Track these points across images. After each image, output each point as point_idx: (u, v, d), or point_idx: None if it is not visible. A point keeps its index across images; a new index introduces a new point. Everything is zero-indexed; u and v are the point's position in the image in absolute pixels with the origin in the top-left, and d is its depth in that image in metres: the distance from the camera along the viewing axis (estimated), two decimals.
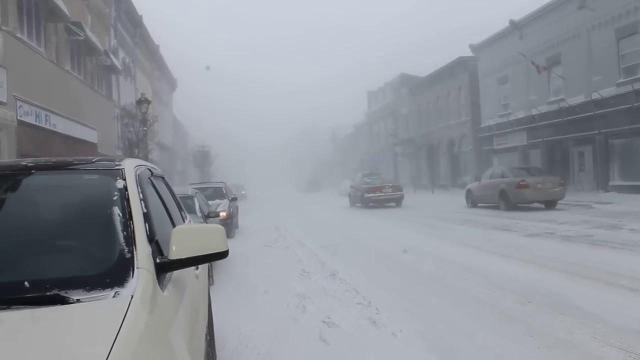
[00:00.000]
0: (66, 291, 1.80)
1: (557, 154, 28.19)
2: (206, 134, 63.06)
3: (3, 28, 12.86)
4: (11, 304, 1.74)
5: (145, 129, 22.55)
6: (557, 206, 19.12)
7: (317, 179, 76.53)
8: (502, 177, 20.39)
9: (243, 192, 48.75)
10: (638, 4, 22.06)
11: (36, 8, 15.55)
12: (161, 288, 2.09)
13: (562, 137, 27.13)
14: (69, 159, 2.73)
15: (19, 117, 13.29)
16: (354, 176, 39.10)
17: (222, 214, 13.33)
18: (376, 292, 6.99)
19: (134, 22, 29.30)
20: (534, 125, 29.14)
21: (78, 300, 1.78)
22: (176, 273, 2.40)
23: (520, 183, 18.91)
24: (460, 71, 39.01)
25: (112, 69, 23.34)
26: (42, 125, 14.75)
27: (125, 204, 2.28)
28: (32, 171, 2.55)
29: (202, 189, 14.98)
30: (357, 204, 28.75)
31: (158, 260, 2.16)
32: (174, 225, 3.13)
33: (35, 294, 1.79)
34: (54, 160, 2.74)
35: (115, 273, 1.93)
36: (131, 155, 19.95)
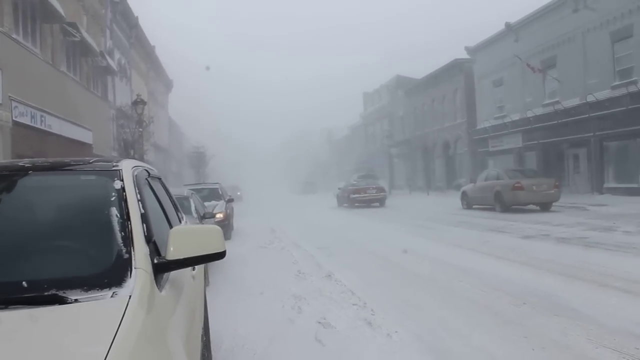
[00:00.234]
0: (64, 291, 1.80)
1: (552, 156, 28.28)
2: (202, 134, 63.01)
3: None
4: (9, 304, 1.75)
5: (140, 130, 22.51)
6: (552, 208, 19.18)
7: (313, 181, 76.55)
8: (497, 179, 20.47)
9: (238, 193, 48.68)
10: (633, 7, 22.18)
11: (32, 9, 15.52)
12: (159, 288, 2.10)
13: (557, 140, 27.24)
14: (67, 160, 2.73)
15: (14, 118, 13.25)
16: (350, 177, 39.40)
17: (219, 216, 13.28)
18: (371, 293, 7.01)
19: (130, 23, 29.27)
20: (529, 127, 29.23)
21: (76, 300, 1.78)
22: (173, 273, 2.41)
23: (516, 185, 18.98)
24: (456, 73, 39.09)
25: (107, 70, 23.29)
26: (38, 126, 14.71)
27: (123, 204, 2.29)
28: (30, 172, 2.55)
29: (197, 190, 14.77)
30: (344, 204, 30.42)
31: (156, 261, 2.17)
32: (170, 226, 3.13)
33: (33, 294, 1.80)
34: (51, 160, 2.75)
35: (113, 273, 1.94)
36: (127, 156, 19.91)
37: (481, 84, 35.92)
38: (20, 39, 14.51)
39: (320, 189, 69.90)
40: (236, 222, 18.52)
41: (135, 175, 2.69)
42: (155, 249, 2.28)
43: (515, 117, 30.71)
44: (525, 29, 30.19)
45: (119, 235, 2.12)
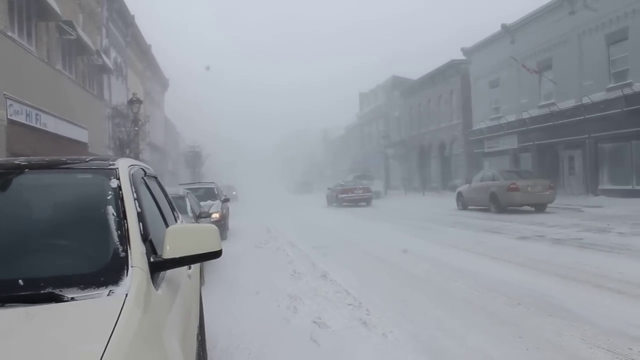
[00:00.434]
0: (60, 289, 1.80)
1: (547, 157, 28.37)
2: (198, 134, 62.89)
3: None
4: (5, 302, 1.75)
5: (136, 129, 22.49)
6: (547, 209, 19.25)
7: (309, 180, 76.56)
8: (493, 180, 20.52)
9: (234, 193, 48.59)
10: (628, 10, 22.27)
11: (27, 6, 15.47)
12: (155, 287, 2.10)
13: (552, 141, 27.32)
14: (63, 158, 2.73)
15: (9, 116, 13.22)
16: (345, 177, 39.70)
17: (215, 215, 13.25)
18: (367, 293, 7.01)
19: (126, 22, 29.21)
20: (524, 128, 29.31)
21: (72, 299, 1.78)
22: (169, 272, 2.41)
23: (511, 186, 19.03)
24: (452, 74, 39.16)
25: (103, 68, 23.25)
26: (33, 124, 14.67)
27: (120, 203, 2.29)
28: (26, 170, 2.54)
29: (193, 190, 14.65)
30: (333, 204, 31.95)
31: (152, 260, 2.17)
32: (167, 225, 3.13)
33: (29, 292, 1.80)
34: (47, 159, 2.74)
35: (109, 272, 1.94)
36: (122, 155, 19.87)
37: (477, 85, 36.00)
38: (15, 36, 14.46)
39: (316, 189, 69.77)
40: (232, 222, 18.50)
41: (132, 174, 2.69)
42: (151, 248, 2.27)
43: (511, 118, 30.79)
44: (521, 31, 30.27)
45: (115, 234, 2.12)
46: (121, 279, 1.92)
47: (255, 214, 27.43)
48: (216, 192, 17.21)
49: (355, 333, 5.20)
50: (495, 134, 32.67)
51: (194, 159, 49.59)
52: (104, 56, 22.74)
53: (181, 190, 11.47)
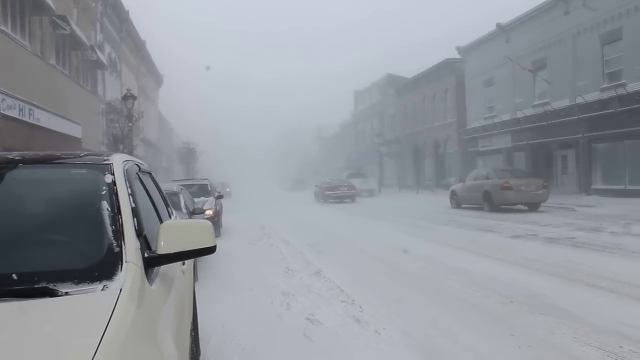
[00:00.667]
0: (55, 284, 1.80)
1: (541, 156, 28.49)
2: (192, 130, 62.75)
3: None
4: None
5: (130, 124, 22.41)
6: (540, 208, 19.33)
7: (303, 178, 76.49)
8: (487, 178, 20.58)
9: (228, 189, 48.58)
10: (622, 10, 22.36)
11: (21, 0, 15.38)
12: (149, 282, 2.10)
13: (546, 140, 27.44)
14: (57, 153, 2.73)
15: (1, 111, 13.14)
16: (340, 175, 40.04)
17: (209, 212, 13.21)
18: (360, 290, 7.03)
19: (121, 17, 29.08)
20: (518, 127, 29.41)
21: (67, 293, 1.78)
22: (163, 268, 2.41)
23: (504, 185, 19.09)
24: (447, 73, 39.23)
25: (97, 64, 23.15)
26: (26, 119, 14.60)
27: (114, 198, 2.29)
28: (20, 164, 2.53)
29: (186, 186, 14.53)
30: (320, 200, 34.24)
31: (146, 255, 2.17)
32: (161, 221, 3.13)
33: (23, 287, 1.79)
34: (41, 154, 2.74)
35: (104, 266, 1.94)
36: (116, 151, 19.79)
37: (472, 84, 36.07)
38: (8, 30, 14.38)
39: (310, 186, 69.71)
40: (225, 219, 18.49)
41: (126, 170, 2.69)
42: (145, 243, 2.28)
43: (505, 117, 30.88)
44: (516, 30, 30.35)
45: (109, 229, 2.12)
46: (115, 274, 1.91)
47: (249, 210, 27.41)
48: (210, 189, 17.13)
49: (348, 330, 5.21)
50: (490, 133, 32.77)
51: (188, 155, 49.48)
52: (98, 51, 22.64)
53: (175, 187, 11.44)
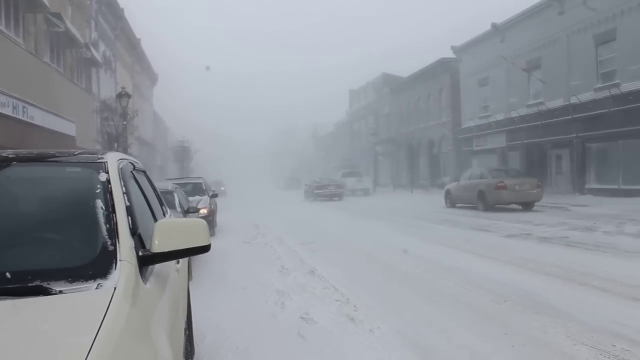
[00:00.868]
0: (49, 282, 1.79)
1: (535, 156, 28.57)
2: (186, 129, 62.58)
3: None
4: None
5: (125, 123, 22.35)
6: (534, 208, 19.39)
7: (298, 176, 76.43)
8: (481, 178, 20.63)
9: (222, 188, 48.47)
10: (617, 11, 22.45)
11: None
12: (143, 281, 2.10)
13: (540, 140, 27.52)
14: (51, 151, 2.71)
15: None
16: (334, 174, 40.29)
17: (203, 211, 13.19)
18: (354, 289, 7.04)
19: (115, 15, 28.97)
20: (513, 127, 29.48)
21: (61, 292, 1.77)
22: (158, 266, 2.40)
23: (499, 184, 19.15)
24: (442, 72, 39.28)
25: (92, 61, 23.05)
26: (19, 117, 14.53)
27: (108, 197, 2.28)
28: (13, 162, 2.52)
29: (181, 185, 14.47)
30: (310, 198, 35.89)
31: (140, 253, 2.16)
32: (155, 220, 3.12)
33: (17, 285, 1.78)
34: (35, 152, 2.72)
35: (98, 265, 1.93)
36: (110, 149, 19.74)
37: (466, 84, 36.13)
38: (2, 28, 14.31)
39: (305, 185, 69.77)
40: (220, 217, 18.48)
41: (121, 168, 2.68)
42: (140, 242, 2.27)
43: (500, 117, 30.96)
44: (511, 30, 30.41)
45: (104, 228, 2.11)
46: (110, 272, 1.91)
47: (244, 209, 27.39)
48: (204, 188, 17.12)
49: (342, 329, 5.22)
50: (484, 133, 32.83)
51: (183, 153, 49.35)
52: (92, 49, 22.55)
53: (169, 185, 11.42)
